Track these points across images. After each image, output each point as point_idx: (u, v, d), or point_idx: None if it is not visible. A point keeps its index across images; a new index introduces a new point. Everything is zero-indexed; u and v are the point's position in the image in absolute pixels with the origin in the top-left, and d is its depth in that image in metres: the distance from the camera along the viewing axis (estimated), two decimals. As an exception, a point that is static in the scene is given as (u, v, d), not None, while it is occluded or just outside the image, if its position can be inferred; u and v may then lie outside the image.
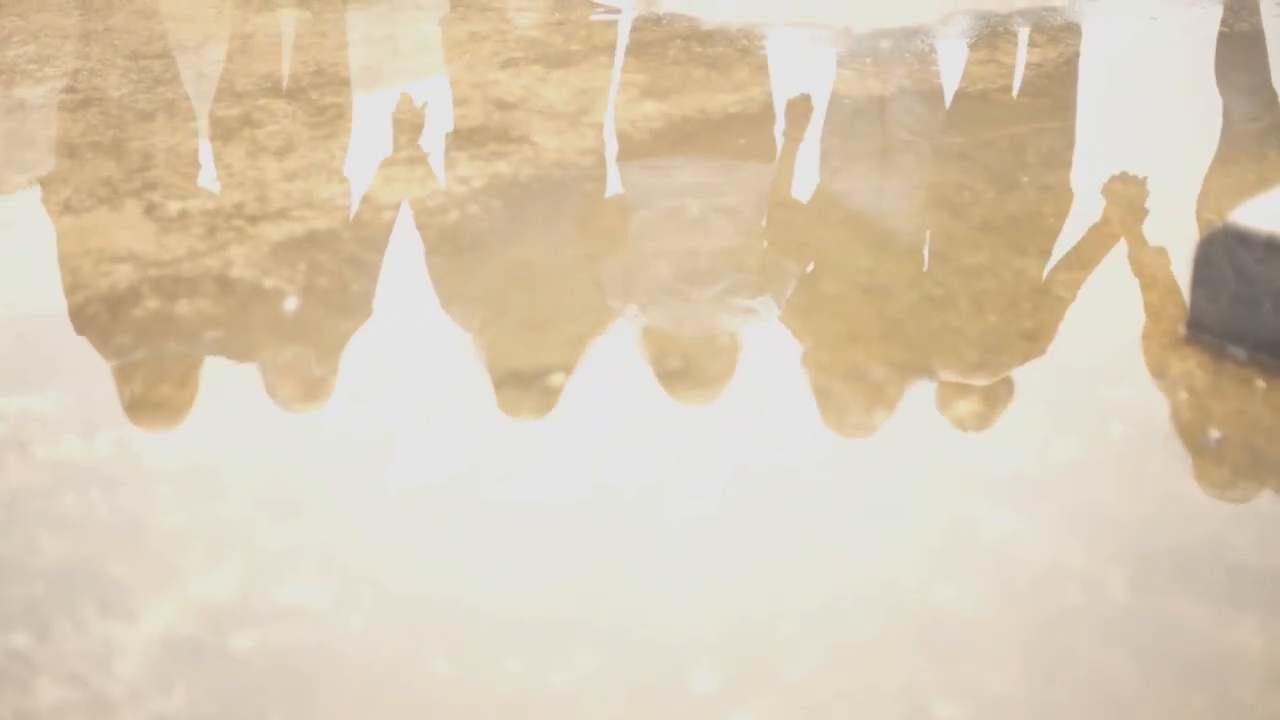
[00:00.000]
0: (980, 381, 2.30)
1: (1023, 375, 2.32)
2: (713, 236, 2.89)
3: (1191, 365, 2.31)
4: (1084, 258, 2.82)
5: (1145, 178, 3.17)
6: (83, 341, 2.44)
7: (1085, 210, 2.98)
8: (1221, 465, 2.07)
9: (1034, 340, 2.47)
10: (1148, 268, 2.72)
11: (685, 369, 2.40)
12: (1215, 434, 2.13)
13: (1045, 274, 2.71)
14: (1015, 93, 3.70)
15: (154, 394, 2.27)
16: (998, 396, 2.27)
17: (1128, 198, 3.10)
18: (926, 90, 3.70)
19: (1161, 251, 2.80)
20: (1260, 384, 2.25)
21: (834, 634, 1.74)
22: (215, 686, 1.67)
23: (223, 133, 3.37)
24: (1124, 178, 3.18)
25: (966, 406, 2.23)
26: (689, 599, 1.81)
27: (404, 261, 2.72)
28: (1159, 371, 2.31)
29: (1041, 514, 1.96)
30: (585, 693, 1.66)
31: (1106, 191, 3.11)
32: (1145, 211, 3.04)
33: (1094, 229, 2.93)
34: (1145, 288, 2.63)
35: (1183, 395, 2.24)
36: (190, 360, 2.38)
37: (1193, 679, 1.67)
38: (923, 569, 1.85)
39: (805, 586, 1.83)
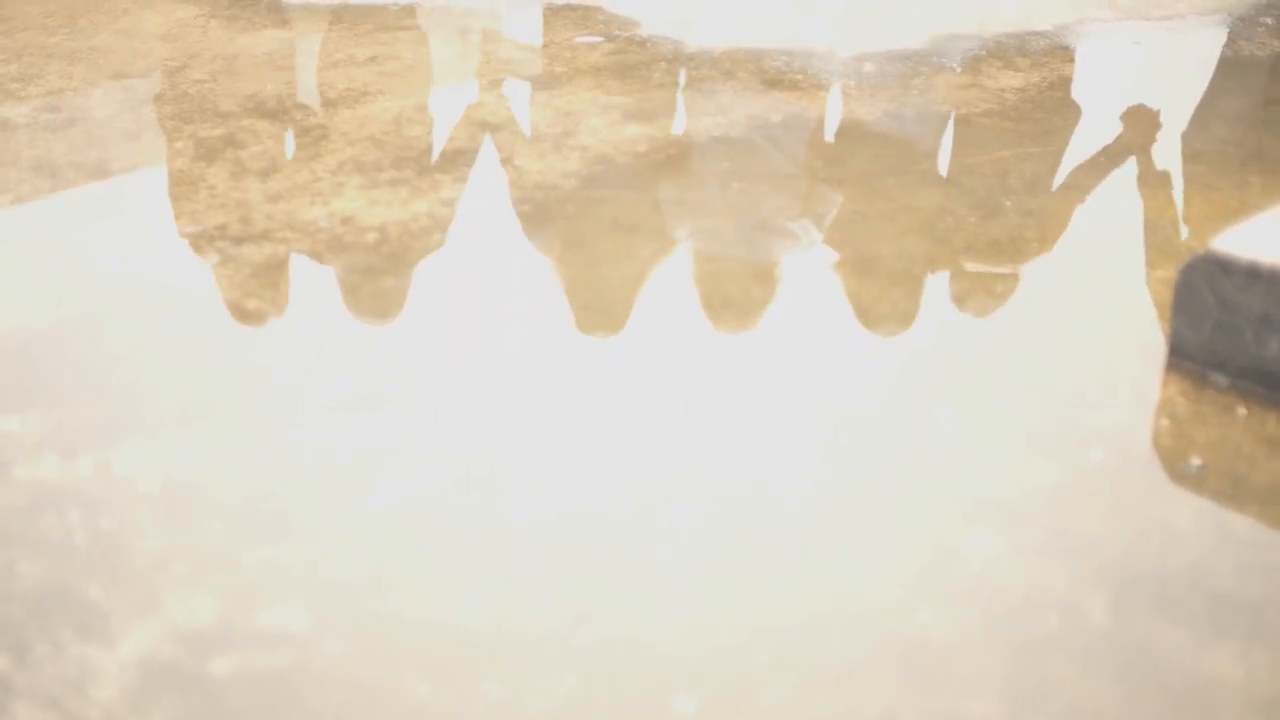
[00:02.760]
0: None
1: (1003, 400, 2.32)
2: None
3: (1173, 392, 2.32)
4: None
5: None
6: (63, 361, 2.44)
7: (1070, 235, 2.99)
8: (1202, 492, 2.07)
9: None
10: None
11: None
12: (1196, 461, 2.14)
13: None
14: (998, 117, 3.71)
15: (135, 413, 2.27)
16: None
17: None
18: (910, 114, 3.71)
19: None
20: (1241, 411, 2.26)
21: (813, 659, 1.74)
22: (194, 711, 1.66)
23: (206, 153, 3.37)
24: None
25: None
26: (669, 622, 1.81)
27: (387, 283, 2.72)
28: (1139, 398, 2.32)
29: (1021, 539, 1.96)
30: (564, 716, 1.66)
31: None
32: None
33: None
34: (1127, 312, 2.64)
35: (1164, 422, 2.24)
36: (171, 380, 2.37)
37: (1173, 707, 1.67)
38: (901, 594, 1.85)
39: (784, 610, 1.83)
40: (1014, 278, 2.76)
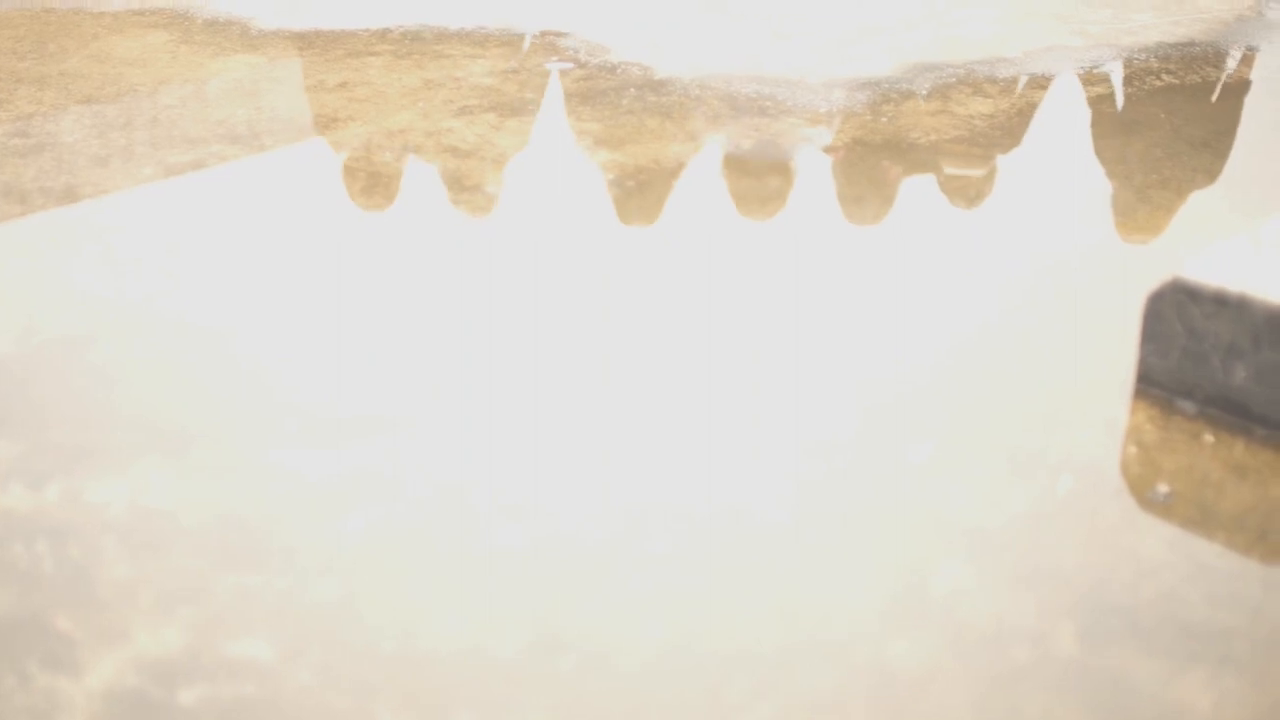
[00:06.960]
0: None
1: (973, 427, 2.33)
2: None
3: (1141, 419, 2.33)
4: None
5: None
6: (32, 387, 2.42)
7: (1035, 261, 3.00)
8: (1170, 519, 2.08)
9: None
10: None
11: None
12: (1164, 488, 2.14)
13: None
14: (968, 144, 3.73)
15: (105, 438, 2.26)
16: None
17: None
18: (880, 141, 3.72)
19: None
20: (1209, 438, 2.27)
21: (784, 690, 1.74)
22: (161, 742, 1.65)
23: (177, 179, 3.36)
24: None
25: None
26: (641, 651, 1.80)
27: (359, 310, 2.72)
28: (1107, 425, 2.32)
29: (991, 568, 1.96)
30: (535, 749, 1.66)
31: None
32: None
33: None
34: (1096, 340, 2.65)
35: (1132, 449, 2.25)
36: (141, 404, 2.36)
37: (1142, 735, 1.67)
38: (873, 624, 1.85)
39: (756, 640, 1.83)
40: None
